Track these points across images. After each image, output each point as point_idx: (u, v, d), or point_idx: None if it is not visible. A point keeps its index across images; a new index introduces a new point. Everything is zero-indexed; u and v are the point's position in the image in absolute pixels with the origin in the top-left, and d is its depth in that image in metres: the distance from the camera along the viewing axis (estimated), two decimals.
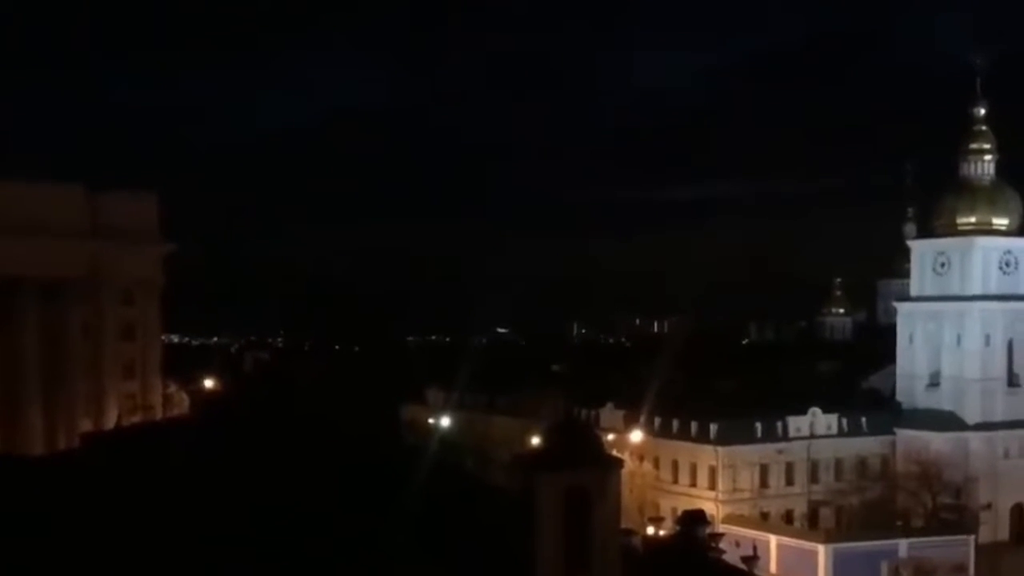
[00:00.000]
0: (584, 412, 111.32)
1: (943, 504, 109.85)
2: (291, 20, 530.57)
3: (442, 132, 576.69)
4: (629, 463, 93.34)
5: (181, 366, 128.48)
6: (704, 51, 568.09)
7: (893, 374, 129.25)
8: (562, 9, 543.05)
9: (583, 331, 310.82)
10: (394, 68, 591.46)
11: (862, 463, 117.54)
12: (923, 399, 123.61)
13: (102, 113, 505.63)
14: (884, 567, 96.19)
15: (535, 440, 70.02)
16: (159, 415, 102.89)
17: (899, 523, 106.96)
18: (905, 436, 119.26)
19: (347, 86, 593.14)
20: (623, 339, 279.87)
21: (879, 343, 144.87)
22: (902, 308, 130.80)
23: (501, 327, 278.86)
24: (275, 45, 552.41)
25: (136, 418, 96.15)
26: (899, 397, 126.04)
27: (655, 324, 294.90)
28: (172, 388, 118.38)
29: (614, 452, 55.51)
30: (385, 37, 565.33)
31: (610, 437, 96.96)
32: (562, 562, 30.05)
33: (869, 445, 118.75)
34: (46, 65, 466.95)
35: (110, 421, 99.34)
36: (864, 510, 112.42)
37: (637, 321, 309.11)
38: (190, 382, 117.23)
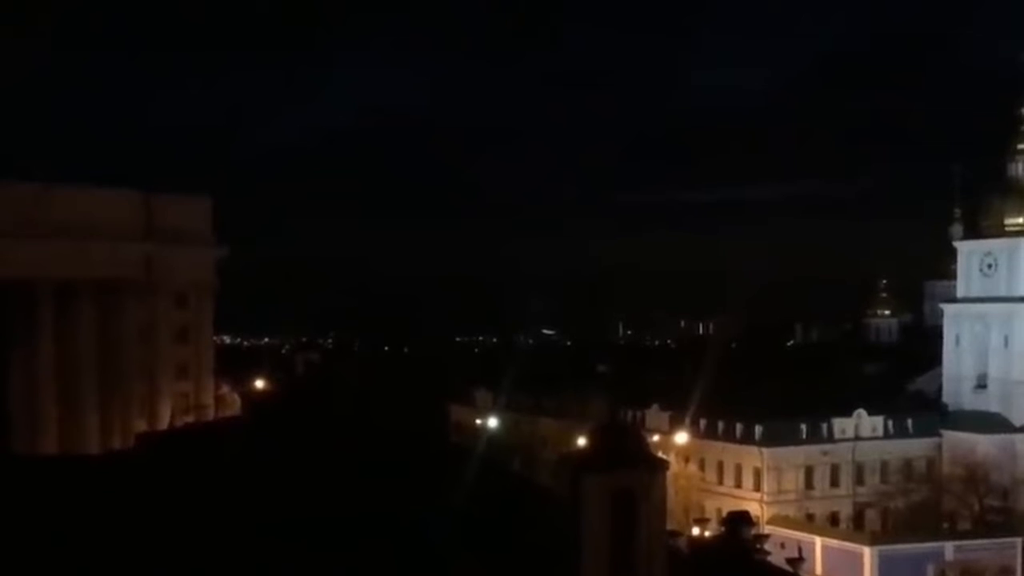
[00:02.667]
0: (629, 413, 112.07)
1: (990, 506, 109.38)
2: (332, 24, 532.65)
3: (489, 132, 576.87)
4: (674, 464, 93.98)
5: (233, 367, 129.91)
6: (756, 56, 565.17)
7: (939, 376, 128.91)
8: (626, 12, 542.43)
9: (628, 332, 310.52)
10: (444, 70, 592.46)
11: (908, 465, 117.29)
12: (970, 401, 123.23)
13: (147, 118, 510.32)
14: (930, 570, 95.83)
15: (581, 441, 70.71)
16: (212, 415, 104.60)
17: (945, 525, 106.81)
18: (951, 438, 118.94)
19: (393, 87, 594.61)
20: (668, 340, 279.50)
21: (925, 345, 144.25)
22: (948, 309, 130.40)
23: (547, 328, 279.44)
24: (323, 47, 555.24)
25: (189, 418, 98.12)
26: (945, 399, 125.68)
27: (700, 325, 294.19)
28: (224, 389, 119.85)
29: (659, 453, 56.11)
30: (433, 40, 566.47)
31: (655, 438, 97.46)
32: (607, 563, 30.44)
33: (915, 447, 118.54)
34: (90, 71, 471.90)
35: (164, 421, 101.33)
36: (910, 512, 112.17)
37: (682, 322, 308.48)
38: (242, 383, 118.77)
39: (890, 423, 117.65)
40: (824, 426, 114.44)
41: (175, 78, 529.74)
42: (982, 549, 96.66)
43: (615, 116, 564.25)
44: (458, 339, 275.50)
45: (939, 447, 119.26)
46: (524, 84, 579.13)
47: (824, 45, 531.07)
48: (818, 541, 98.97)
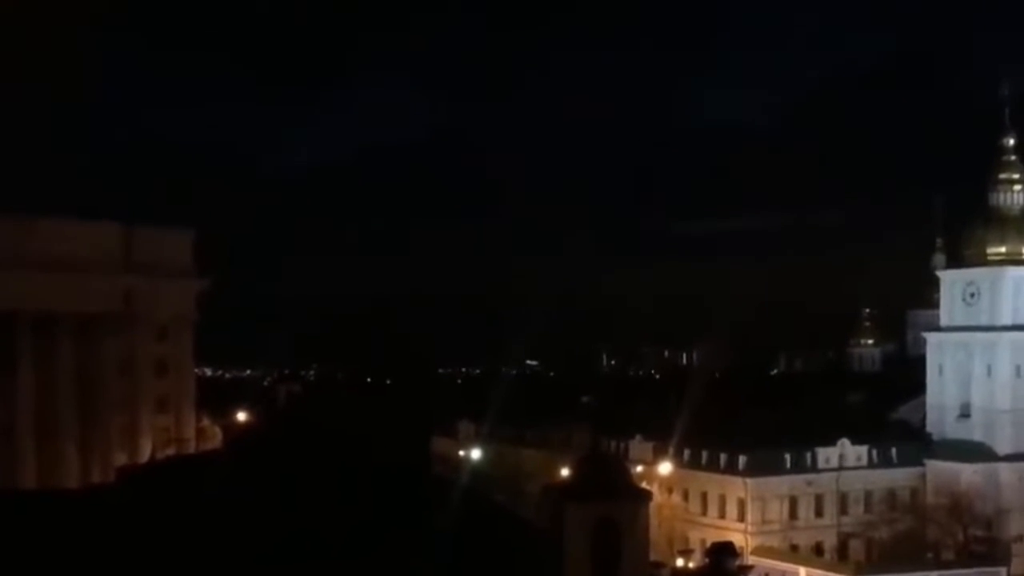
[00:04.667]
0: (613, 444, 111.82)
1: (974, 536, 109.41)
2: (333, 56, 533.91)
3: (484, 156, 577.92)
4: (658, 495, 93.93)
5: (214, 399, 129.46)
6: (737, 90, 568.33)
7: (923, 405, 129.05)
8: (631, 32, 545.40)
9: (612, 362, 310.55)
10: (442, 99, 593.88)
11: (892, 495, 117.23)
12: (953, 430, 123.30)
13: (135, 147, 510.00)
14: None
15: (565, 472, 70.48)
16: (193, 448, 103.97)
17: (930, 555, 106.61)
18: (935, 467, 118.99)
19: (383, 119, 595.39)
20: (652, 371, 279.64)
21: (909, 374, 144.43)
22: (932, 339, 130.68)
23: (531, 359, 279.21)
24: (314, 80, 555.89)
25: (170, 451, 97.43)
26: (929, 428, 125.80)
27: (683, 355, 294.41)
28: (205, 421, 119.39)
29: (643, 484, 55.93)
30: (435, 67, 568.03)
31: (639, 469, 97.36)
32: None
33: (899, 477, 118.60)
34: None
35: (145, 454, 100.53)
36: (894, 542, 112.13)
37: (665, 352, 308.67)
38: (223, 415, 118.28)
39: (874, 452, 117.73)
40: (808, 456, 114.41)
41: (166, 108, 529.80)
42: None
43: (597, 147, 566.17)
44: (441, 370, 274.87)
45: (923, 476, 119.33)
46: (510, 112, 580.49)
47: (806, 80, 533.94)
48: (803, 571, 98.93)
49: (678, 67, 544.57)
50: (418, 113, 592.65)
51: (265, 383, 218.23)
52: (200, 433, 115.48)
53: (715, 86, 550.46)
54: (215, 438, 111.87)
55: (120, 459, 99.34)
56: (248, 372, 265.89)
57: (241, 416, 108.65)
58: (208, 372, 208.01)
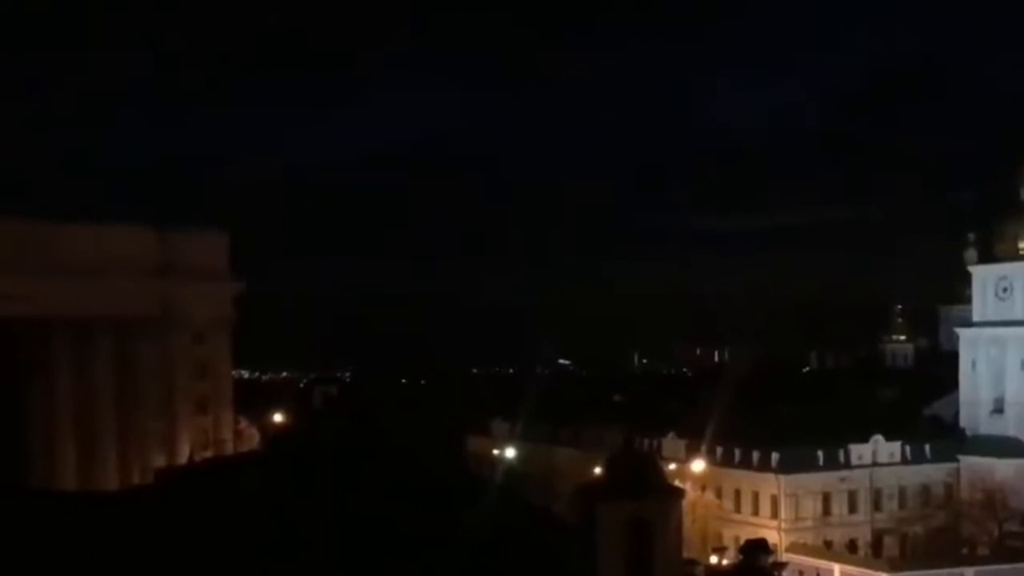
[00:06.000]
0: (646, 442, 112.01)
1: (1009, 531, 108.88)
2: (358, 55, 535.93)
3: (505, 161, 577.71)
4: (691, 493, 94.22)
5: (251, 401, 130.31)
6: (772, 84, 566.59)
7: (956, 401, 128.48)
8: (650, 33, 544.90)
9: (644, 361, 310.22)
10: (472, 99, 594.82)
11: (926, 491, 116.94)
12: (987, 425, 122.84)
13: (163, 152, 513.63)
14: None
15: (598, 471, 70.87)
16: (230, 450, 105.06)
17: (965, 551, 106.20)
18: (969, 463, 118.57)
19: (409, 120, 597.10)
20: (684, 368, 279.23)
21: (942, 369, 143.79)
22: (964, 334, 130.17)
23: (563, 358, 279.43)
24: (343, 78, 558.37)
25: (208, 453, 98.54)
26: (963, 424, 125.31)
27: (715, 353, 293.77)
28: (243, 423, 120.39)
29: (676, 482, 56.30)
30: (466, 67, 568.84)
31: (672, 467, 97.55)
32: None
33: (933, 472, 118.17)
34: (110, 104, 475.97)
35: (183, 456, 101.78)
36: (929, 538, 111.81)
37: (697, 350, 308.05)
38: (260, 417, 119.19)
39: (907, 449, 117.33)
40: (841, 452, 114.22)
41: (196, 114, 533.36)
42: (1002, 575, 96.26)
43: (627, 144, 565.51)
44: (475, 370, 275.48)
45: (957, 472, 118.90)
46: (539, 110, 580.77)
47: (836, 77, 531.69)
48: (837, 568, 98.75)
49: (708, 64, 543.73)
50: (442, 112, 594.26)
51: (301, 385, 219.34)
52: (238, 435, 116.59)
53: (745, 88, 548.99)
54: (253, 439, 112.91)
55: (159, 461, 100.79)
56: (284, 374, 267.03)
57: (278, 417, 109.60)
58: (245, 374, 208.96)
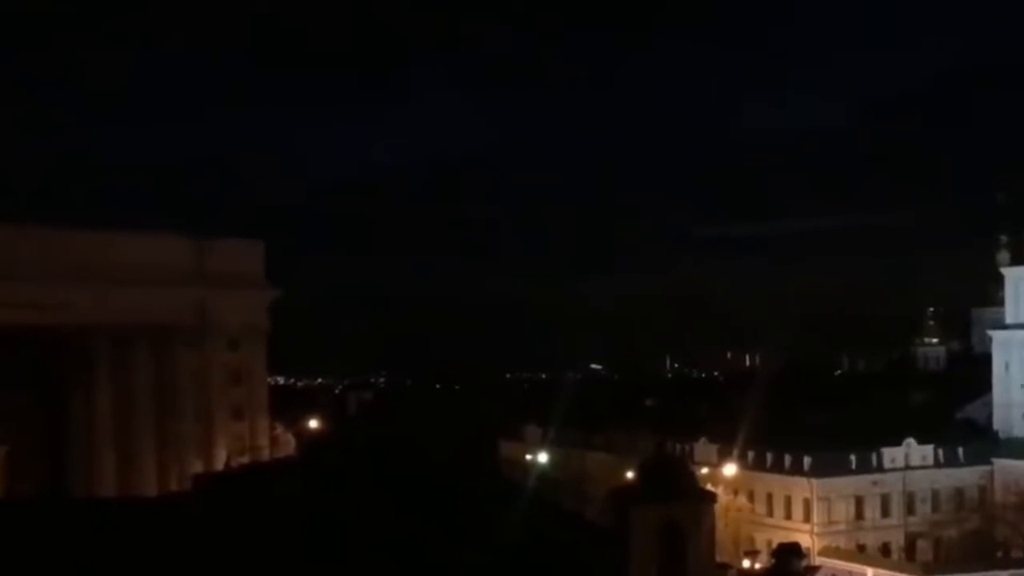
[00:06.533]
0: (678, 447, 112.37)
1: None
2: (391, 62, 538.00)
3: (541, 167, 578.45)
4: (723, 497, 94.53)
5: (287, 407, 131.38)
6: (808, 92, 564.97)
7: (989, 403, 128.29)
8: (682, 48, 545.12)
9: (675, 365, 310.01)
10: (492, 106, 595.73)
11: (959, 494, 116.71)
12: (1021, 428, 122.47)
13: (197, 160, 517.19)
14: None
15: (630, 475, 71.33)
16: (266, 456, 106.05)
17: (999, 554, 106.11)
18: (1003, 466, 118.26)
19: (442, 127, 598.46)
20: (715, 372, 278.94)
21: (974, 372, 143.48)
22: (997, 336, 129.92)
23: (595, 363, 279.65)
24: (376, 87, 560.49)
25: (245, 459, 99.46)
26: (996, 426, 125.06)
27: (747, 357, 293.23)
28: (279, 429, 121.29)
29: (708, 486, 56.78)
30: (481, 75, 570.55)
31: (704, 471, 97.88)
32: None
33: (966, 475, 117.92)
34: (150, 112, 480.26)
35: (220, 463, 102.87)
36: (962, 542, 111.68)
37: (728, 354, 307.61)
38: (296, 423, 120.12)
39: (940, 452, 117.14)
40: (873, 456, 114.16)
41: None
42: None
43: (655, 147, 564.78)
44: (508, 375, 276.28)
45: (991, 475, 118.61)
46: (573, 115, 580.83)
47: (870, 84, 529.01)
48: (870, 572, 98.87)
49: (744, 71, 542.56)
50: (479, 121, 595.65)
51: (336, 391, 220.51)
52: (274, 441, 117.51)
53: (769, 89, 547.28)
54: (288, 445, 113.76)
55: (196, 467, 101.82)
56: (319, 380, 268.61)
57: (313, 423, 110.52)
58: (280, 380, 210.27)
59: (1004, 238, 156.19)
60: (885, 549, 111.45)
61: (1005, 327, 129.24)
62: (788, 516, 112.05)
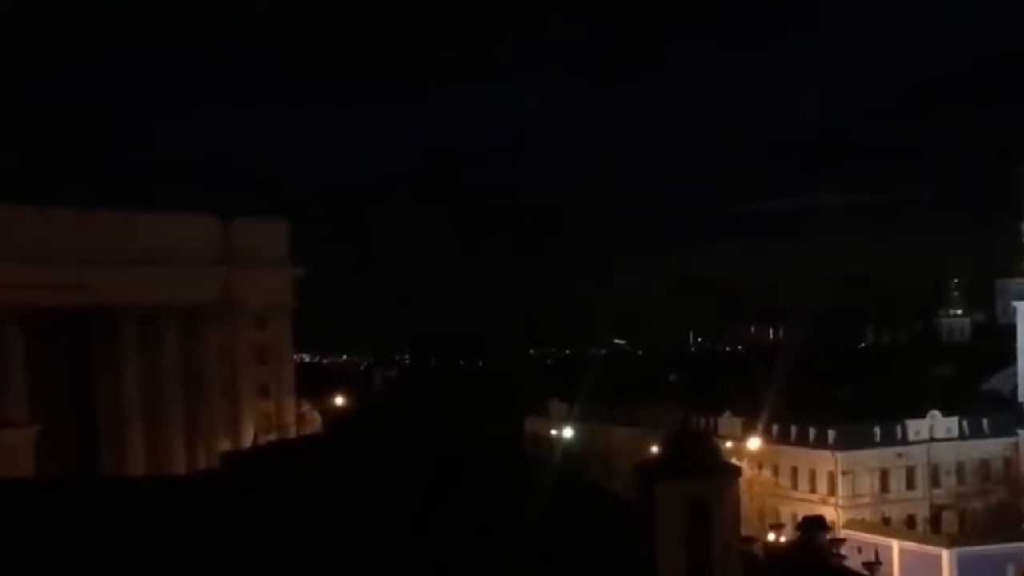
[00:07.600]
0: (702, 421, 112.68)
1: None
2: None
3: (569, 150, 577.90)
4: (748, 470, 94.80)
5: (313, 385, 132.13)
6: (843, 71, 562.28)
7: (1014, 375, 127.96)
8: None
9: (699, 340, 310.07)
10: (533, 96, 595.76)
11: (985, 466, 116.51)
12: None
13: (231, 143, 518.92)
14: (1011, 571, 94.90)
15: (654, 450, 71.47)
16: (293, 433, 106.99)
17: None
18: None
19: (473, 115, 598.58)
20: (739, 347, 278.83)
21: (999, 343, 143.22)
22: (1022, 307, 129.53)
23: (619, 338, 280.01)
24: (408, 79, 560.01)
25: (272, 436, 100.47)
26: (1021, 398, 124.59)
27: (770, 331, 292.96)
28: (305, 407, 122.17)
29: (732, 460, 56.93)
30: (523, 67, 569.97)
31: (728, 445, 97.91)
32: (682, 570, 31.01)
33: (991, 447, 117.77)
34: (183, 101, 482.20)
35: (247, 440, 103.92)
36: (988, 514, 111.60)
37: (752, 328, 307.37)
38: (322, 400, 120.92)
39: (965, 424, 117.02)
40: (898, 428, 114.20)
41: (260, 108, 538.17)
42: None
43: (690, 131, 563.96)
44: (532, 351, 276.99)
45: (1016, 447, 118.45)
46: (610, 102, 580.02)
47: (909, 67, 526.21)
48: (895, 544, 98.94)
49: (769, 60, 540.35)
50: (509, 113, 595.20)
51: (361, 368, 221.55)
52: (300, 418, 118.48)
53: (801, 70, 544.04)
54: (315, 422, 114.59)
55: (224, 445, 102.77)
56: (344, 357, 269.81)
57: (339, 400, 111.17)
58: (306, 358, 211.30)
59: None
60: (910, 521, 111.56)
61: None
62: (813, 489, 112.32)
